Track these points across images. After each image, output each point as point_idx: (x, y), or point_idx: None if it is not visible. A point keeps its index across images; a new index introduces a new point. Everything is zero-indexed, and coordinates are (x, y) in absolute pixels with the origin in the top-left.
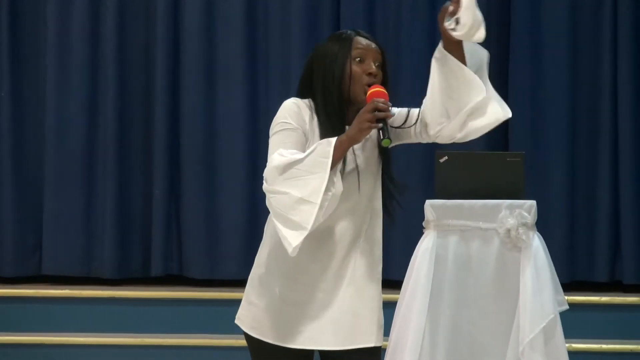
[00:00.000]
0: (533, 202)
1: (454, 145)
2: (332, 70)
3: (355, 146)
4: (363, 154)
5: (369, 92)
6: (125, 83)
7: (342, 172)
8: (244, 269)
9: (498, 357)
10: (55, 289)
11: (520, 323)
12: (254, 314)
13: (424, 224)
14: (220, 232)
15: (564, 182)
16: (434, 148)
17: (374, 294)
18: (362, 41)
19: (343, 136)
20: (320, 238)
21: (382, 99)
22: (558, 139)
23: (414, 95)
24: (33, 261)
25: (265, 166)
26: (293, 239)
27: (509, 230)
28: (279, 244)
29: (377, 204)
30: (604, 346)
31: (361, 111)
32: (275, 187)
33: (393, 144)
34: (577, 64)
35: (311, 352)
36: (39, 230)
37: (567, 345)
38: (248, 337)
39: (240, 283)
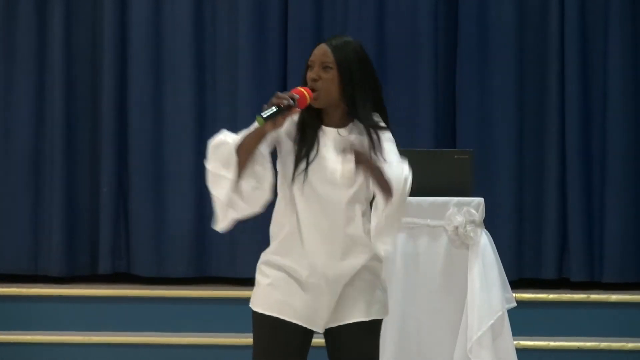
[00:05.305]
0: (481, 200)
1: (402, 142)
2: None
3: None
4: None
5: None
6: (72, 80)
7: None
8: (192, 267)
9: (446, 355)
10: (2, 287)
11: (468, 320)
12: (257, 292)
13: None
14: (168, 230)
15: (512, 180)
16: None
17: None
18: (315, 50)
19: None
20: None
21: (290, 93)
22: (506, 136)
23: None
24: None
25: None
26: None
27: (456, 228)
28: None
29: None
30: (552, 343)
31: None
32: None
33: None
34: (524, 62)
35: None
36: None
37: (515, 342)
38: (254, 315)
39: (189, 281)
